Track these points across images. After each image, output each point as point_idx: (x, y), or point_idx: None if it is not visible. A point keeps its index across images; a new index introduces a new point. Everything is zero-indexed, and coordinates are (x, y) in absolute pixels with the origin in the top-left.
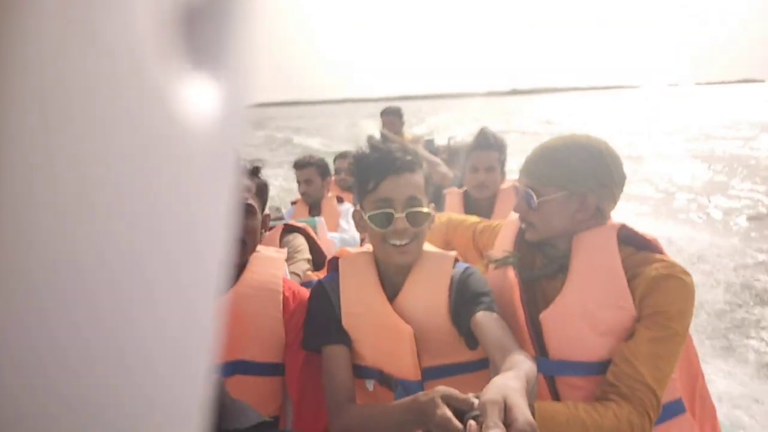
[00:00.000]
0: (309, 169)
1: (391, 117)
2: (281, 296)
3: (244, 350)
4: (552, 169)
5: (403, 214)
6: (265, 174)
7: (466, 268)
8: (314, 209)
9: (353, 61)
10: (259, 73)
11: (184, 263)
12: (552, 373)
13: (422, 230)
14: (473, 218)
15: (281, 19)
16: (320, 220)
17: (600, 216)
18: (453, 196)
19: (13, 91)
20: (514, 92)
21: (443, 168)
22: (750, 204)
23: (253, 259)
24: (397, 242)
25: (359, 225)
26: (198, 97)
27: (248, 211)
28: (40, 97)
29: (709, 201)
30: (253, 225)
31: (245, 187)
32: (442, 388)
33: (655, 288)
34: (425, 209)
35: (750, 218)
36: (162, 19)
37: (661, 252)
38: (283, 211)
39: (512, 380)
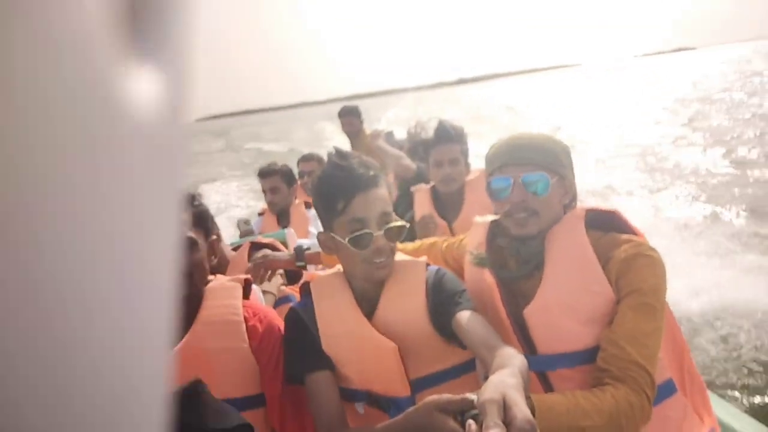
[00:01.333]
0: (274, 177)
1: (350, 117)
2: (243, 326)
3: (215, 389)
4: (544, 155)
5: (382, 232)
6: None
7: (438, 270)
8: (282, 217)
9: (302, 64)
10: (211, 83)
11: (133, 267)
12: (542, 369)
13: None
14: (430, 239)
15: (226, 28)
16: (290, 232)
17: (574, 200)
18: (421, 194)
19: None
20: (461, 81)
21: (406, 161)
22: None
23: (207, 292)
24: (377, 260)
25: (327, 247)
26: (142, 90)
27: (189, 244)
28: None
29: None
30: (197, 258)
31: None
32: (433, 400)
33: (627, 269)
34: (400, 222)
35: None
36: (109, 8)
37: (625, 224)
38: (252, 222)
39: (509, 377)
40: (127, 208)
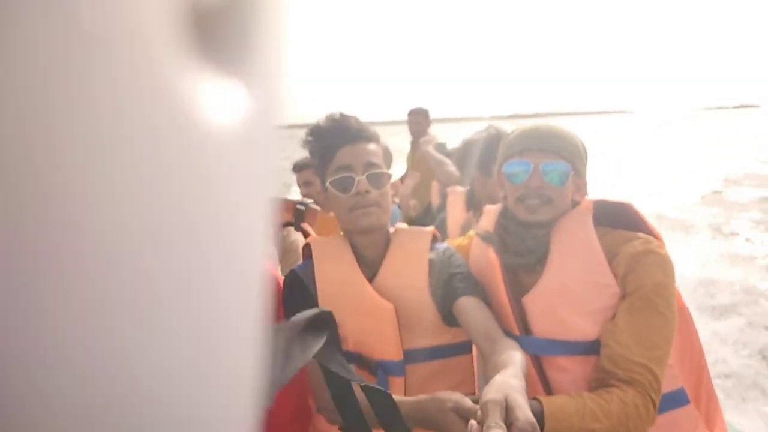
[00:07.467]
0: (307, 171)
1: (419, 117)
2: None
3: None
4: (567, 147)
5: (364, 177)
6: None
7: (447, 248)
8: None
9: (359, 83)
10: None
11: (216, 281)
12: (538, 353)
13: (384, 193)
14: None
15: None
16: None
17: (583, 197)
18: (456, 195)
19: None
20: (515, 116)
21: (450, 167)
22: None
23: None
24: (361, 207)
25: (324, 205)
26: (222, 103)
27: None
28: (29, 102)
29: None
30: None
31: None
32: (452, 399)
33: (635, 265)
34: (385, 170)
35: None
36: (174, 15)
37: (640, 219)
38: None
39: (512, 379)
40: (208, 211)
